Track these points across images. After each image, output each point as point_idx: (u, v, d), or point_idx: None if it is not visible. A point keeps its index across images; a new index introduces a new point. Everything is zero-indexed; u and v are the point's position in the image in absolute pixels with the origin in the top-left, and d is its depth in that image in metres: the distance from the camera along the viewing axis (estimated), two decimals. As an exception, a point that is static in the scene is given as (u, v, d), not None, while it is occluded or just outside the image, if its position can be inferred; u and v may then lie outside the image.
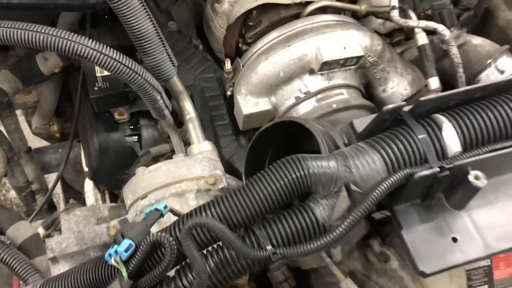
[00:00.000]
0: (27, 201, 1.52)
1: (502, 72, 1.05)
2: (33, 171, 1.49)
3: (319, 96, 1.04)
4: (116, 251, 0.68)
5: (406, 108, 0.76)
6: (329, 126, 0.89)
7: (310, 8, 1.08)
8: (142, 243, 0.68)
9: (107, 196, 1.51)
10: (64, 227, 1.16)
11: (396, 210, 0.76)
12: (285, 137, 0.96)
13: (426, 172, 0.70)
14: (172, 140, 1.13)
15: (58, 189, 1.87)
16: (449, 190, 0.76)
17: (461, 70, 1.02)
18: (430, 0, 1.05)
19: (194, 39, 1.29)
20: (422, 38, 1.03)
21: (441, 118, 0.75)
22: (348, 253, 0.86)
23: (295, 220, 0.70)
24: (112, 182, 1.30)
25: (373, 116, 0.79)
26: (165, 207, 0.76)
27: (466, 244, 0.74)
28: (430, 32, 1.07)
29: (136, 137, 1.23)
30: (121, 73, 0.92)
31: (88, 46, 0.89)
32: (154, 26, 0.97)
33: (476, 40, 1.11)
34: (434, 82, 1.02)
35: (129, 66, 0.92)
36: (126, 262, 0.68)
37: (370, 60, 1.05)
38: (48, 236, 1.21)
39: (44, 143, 1.81)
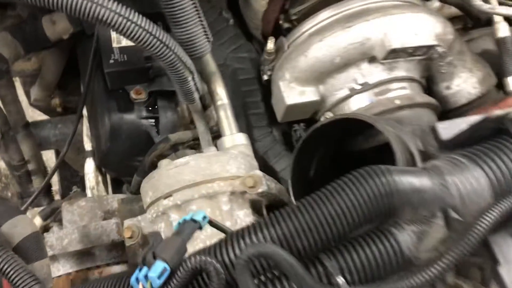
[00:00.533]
0: (21, 182, 1.36)
1: None
2: (30, 149, 1.32)
3: (378, 89, 0.88)
4: (146, 276, 0.53)
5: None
6: (399, 127, 0.74)
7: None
8: (180, 268, 0.53)
9: (109, 180, 1.36)
10: (66, 219, 1.01)
11: (494, 240, 0.62)
12: (335, 139, 0.81)
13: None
14: (198, 129, 0.98)
15: (52, 165, 1.71)
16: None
17: None
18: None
19: (225, 11, 1.12)
20: (503, 29, 0.88)
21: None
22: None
23: (373, 248, 0.55)
24: (122, 169, 1.15)
25: (461, 122, 0.64)
26: (205, 217, 0.61)
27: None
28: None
29: (153, 120, 1.08)
30: (150, 46, 0.76)
31: (113, 11, 0.72)
32: (192, -6, 0.81)
33: None
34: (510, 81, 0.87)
35: (161, 38, 0.76)
36: (158, 289, 0.53)
37: (439, 50, 0.89)
38: (46, 227, 1.07)
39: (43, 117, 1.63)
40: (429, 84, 0.98)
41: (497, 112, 0.60)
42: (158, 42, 0.76)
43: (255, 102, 1.00)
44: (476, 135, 0.63)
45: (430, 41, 0.85)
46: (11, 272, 0.69)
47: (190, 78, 0.84)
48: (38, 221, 1.05)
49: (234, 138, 0.89)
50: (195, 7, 0.82)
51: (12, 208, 0.80)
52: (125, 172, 1.14)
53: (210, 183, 0.79)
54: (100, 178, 1.35)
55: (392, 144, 0.67)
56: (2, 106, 1.25)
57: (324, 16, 0.90)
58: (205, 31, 0.86)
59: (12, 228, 0.77)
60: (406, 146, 0.70)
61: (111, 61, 0.99)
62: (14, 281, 0.69)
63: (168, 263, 0.53)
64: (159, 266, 0.53)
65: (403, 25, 0.84)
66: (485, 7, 0.87)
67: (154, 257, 0.54)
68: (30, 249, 0.77)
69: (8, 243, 0.75)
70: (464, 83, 0.95)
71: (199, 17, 0.84)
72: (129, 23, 0.73)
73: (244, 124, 0.99)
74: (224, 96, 0.92)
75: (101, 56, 1.02)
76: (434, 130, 0.68)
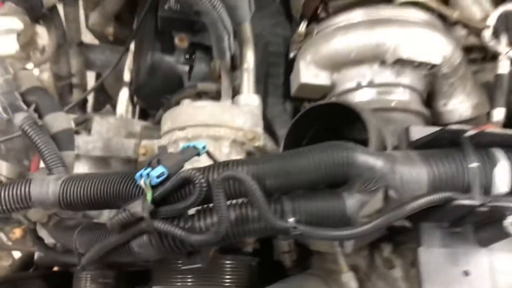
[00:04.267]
0: (62, 92, 1.54)
1: None
2: (77, 65, 1.50)
3: (381, 89, 1.01)
4: (148, 174, 0.69)
5: (468, 134, 0.74)
6: (383, 122, 0.88)
7: (405, -3, 1.04)
8: (175, 175, 0.69)
9: (137, 110, 1.53)
10: (95, 129, 1.18)
11: (422, 227, 0.76)
12: (331, 119, 0.95)
13: (466, 202, 0.69)
14: (222, 83, 1.13)
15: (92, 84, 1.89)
16: (480, 226, 0.75)
17: None
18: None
19: (276, -10, 1.26)
20: (503, 67, 0.99)
21: (499, 155, 0.73)
22: (358, 249, 0.86)
23: (324, 203, 0.70)
24: (151, 102, 1.31)
25: (432, 129, 0.77)
26: (204, 147, 0.77)
27: (476, 281, 0.74)
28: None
29: (188, 67, 1.23)
30: (198, 3, 0.91)
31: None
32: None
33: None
34: (498, 114, 0.99)
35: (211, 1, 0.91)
36: (154, 187, 0.69)
37: (444, 71, 1.02)
38: (77, 132, 1.24)
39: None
40: (430, 98, 1.11)
41: (455, 126, 0.74)
42: (208, 2, 0.91)
43: (277, 73, 1.14)
44: (437, 142, 0.76)
45: (436, 60, 0.97)
46: (46, 153, 0.87)
47: (226, 38, 0.99)
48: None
49: (249, 98, 1.04)
50: (245, -21, 0.97)
51: (56, 105, 0.97)
52: (153, 105, 1.30)
53: (218, 128, 0.94)
54: (130, 108, 1.53)
55: (370, 132, 0.80)
56: (64, 22, 1.42)
57: (354, 15, 1.03)
58: (249, 2, 1.00)
59: (53, 120, 0.94)
60: (382, 137, 0.84)
61: (166, 7, 1.14)
62: (46, 160, 0.86)
63: (167, 168, 0.69)
64: (160, 169, 0.69)
65: (415, 40, 0.97)
66: (491, 43, 0.98)
67: (158, 162, 0.70)
68: (63, 140, 0.94)
69: (48, 130, 0.92)
70: (459, 105, 1.07)
71: (247, -11, 0.98)
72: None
73: (262, 89, 1.13)
74: (251, 62, 1.07)
75: (158, 0, 1.17)
76: (407, 131, 0.82)
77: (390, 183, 0.70)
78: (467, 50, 1.18)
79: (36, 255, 1.15)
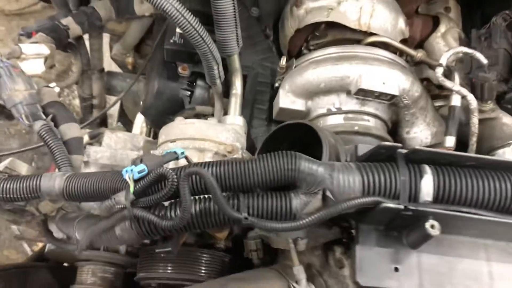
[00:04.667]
0: (85, 111, 1.75)
1: (516, 155, 1.14)
2: (98, 88, 1.71)
3: (348, 115, 1.16)
4: (131, 170, 0.85)
5: (403, 150, 0.88)
6: (340, 142, 1.03)
7: (371, 39, 1.21)
8: (153, 171, 0.85)
9: (152, 132, 1.71)
10: (105, 142, 1.36)
11: (360, 228, 0.89)
12: (302, 137, 1.10)
13: (390, 205, 0.82)
14: (215, 106, 1.30)
15: (115, 112, 2.10)
16: (409, 230, 0.88)
17: (474, 139, 1.11)
18: (478, 71, 1.14)
19: (269, 29, 1.44)
20: (455, 100, 1.13)
21: (426, 169, 0.87)
22: (312, 248, 1.00)
23: (273, 201, 0.85)
24: (157, 121, 1.48)
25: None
26: (182, 153, 0.93)
27: (404, 277, 0.86)
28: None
29: (190, 92, 1.41)
30: (191, 36, 1.09)
31: (173, 6, 1.06)
32: (234, 9, 1.13)
33: (507, 119, 1.19)
34: (450, 141, 1.12)
35: (200, 33, 1.09)
36: (136, 181, 0.85)
37: (405, 102, 1.16)
38: (90, 144, 1.43)
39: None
40: (396, 126, 1.25)
41: (389, 143, 0.88)
42: (197, 35, 1.09)
43: (262, 100, 1.31)
44: (376, 156, 0.90)
45: (393, 91, 1.12)
46: (57, 154, 1.05)
47: (215, 67, 1.17)
48: (85, 139, 1.42)
49: (234, 119, 1.21)
50: (235, 19, 1.15)
51: (71, 117, 1.16)
52: (158, 125, 1.48)
53: (203, 141, 1.10)
54: (144, 129, 1.72)
55: (323, 146, 0.95)
56: (89, 51, 1.64)
57: (327, 52, 1.20)
58: (237, 38, 1.18)
59: (67, 129, 1.13)
60: (338, 153, 0.99)
61: (171, 41, 1.33)
62: (57, 160, 1.04)
63: (147, 166, 0.85)
64: (141, 166, 0.85)
65: (376, 74, 1.12)
66: (440, 79, 1.12)
67: (141, 161, 0.87)
68: (74, 145, 1.12)
69: (62, 137, 1.11)
70: (420, 133, 1.21)
71: (236, 27, 1.16)
72: (181, 17, 1.07)
73: (249, 112, 1.30)
74: (239, 88, 1.24)
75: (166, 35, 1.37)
76: (356, 148, 0.96)
77: (328, 187, 0.84)
78: (440, 86, 1.33)
79: (46, 248, 1.32)
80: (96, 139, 1.42)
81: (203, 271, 1.05)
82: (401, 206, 0.83)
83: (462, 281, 0.88)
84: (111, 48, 1.87)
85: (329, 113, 1.18)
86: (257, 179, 0.84)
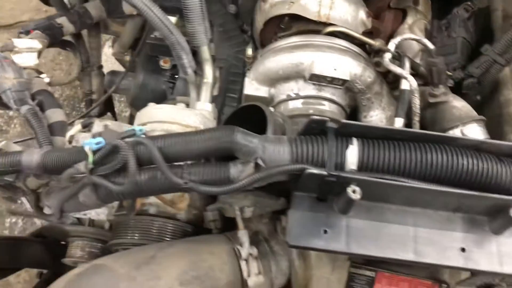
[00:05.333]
0: (86, 105, 1.90)
1: (464, 135, 1.19)
2: (97, 84, 1.85)
3: (305, 100, 1.26)
4: (90, 142, 0.98)
5: (334, 125, 0.97)
6: (288, 122, 1.12)
7: (329, 29, 1.30)
8: (108, 144, 0.97)
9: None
10: (94, 129, 1.50)
11: (294, 194, 0.98)
12: (262, 119, 1.20)
13: (314, 171, 0.91)
14: (190, 94, 1.42)
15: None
16: (338, 196, 0.96)
17: (416, 118, 1.18)
18: (427, 56, 1.21)
19: (247, 24, 1.55)
20: (404, 84, 1.20)
21: (353, 141, 0.95)
22: (260, 217, 1.09)
23: (214, 169, 0.95)
24: (142, 111, 1.61)
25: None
26: (141, 130, 1.05)
27: (331, 238, 0.94)
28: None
29: (172, 84, 1.54)
30: (157, 28, 1.21)
31: (142, 2, 1.19)
32: (201, 4, 1.25)
33: (457, 102, 1.25)
34: (398, 122, 1.19)
35: (167, 25, 1.21)
36: (94, 152, 0.97)
37: (358, 87, 1.24)
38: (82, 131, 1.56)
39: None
40: (356, 112, 1.33)
41: (319, 118, 0.97)
42: (164, 27, 1.21)
43: (234, 89, 1.42)
44: (311, 130, 0.99)
45: (344, 76, 1.21)
46: (39, 134, 1.18)
47: (184, 57, 1.28)
48: (78, 127, 1.56)
49: (204, 105, 1.32)
50: (202, 13, 1.26)
51: (56, 103, 1.30)
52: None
53: (171, 124, 1.22)
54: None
55: (268, 123, 1.05)
56: (88, 49, 1.79)
57: (286, 41, 1.29)
58: (205, 31, 1.30)
59: (52, 113, 1.26)
60: (283, 131, 1.08)
61: (153, 35, 1.46)
62: (39, 139, 1.17)
63: (104, 139, 0.97)
64: (99, 139, 0.97)
65: (327, 60, 1.21)
66: (384, 63, 1.20)
67: (99, 135, 0.99)
68: (57, 128, 1.25)
69: (47, 120, 1.24)
70: (376, 117, 1.29)
71: (203, 20, 1.28)
72: (149, 11, 1.19)
73: (221, 100, 1.41)
74: (210, 77, 1.35)
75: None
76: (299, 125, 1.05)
77: (260, 156, 0.94)
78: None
79: (41, 226, 1.46)
80: (87, 128, 1.56)
81: (167, 239, 1.16)
82: (325, 172, 0.91)
83: (388, 244, 0.95)
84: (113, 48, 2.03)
85: (289, 98, 1.27)
86: (199, 150, 0.94)
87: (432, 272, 1.12)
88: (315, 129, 0.98)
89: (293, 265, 1.09)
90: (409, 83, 1.20)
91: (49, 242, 1.49)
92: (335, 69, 1.21)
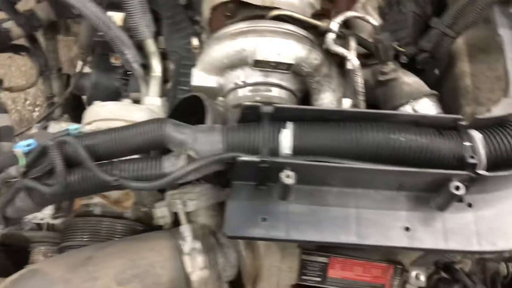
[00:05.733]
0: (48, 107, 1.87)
1: (415, 112, 1.16)
2: (58, 87, 1.83)
3: (253, 87, 1.23)
4: (20, 145, 0.95)
5: (268, 109, 0.94)
6: (232, 111, 1.09)
7: (273, 13, 1.26)
8: (38, 145, 0.94)
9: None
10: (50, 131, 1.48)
11: (233, 184, 0.96)
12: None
13: (246, 159, 0.88)
14: (141, 89, 1.39)
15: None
16: (276, 183, 0.93)
17: (361, 97, 1.15)
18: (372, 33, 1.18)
19: (199, 16, 1.52)
20: (349, 64, 1.18)
21: (287, 125, 0.92)
22: (206, 209, 1.07)
23: (147, 164, 0.93)
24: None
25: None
26: (76, 129, 1.02)
27: (271, 226, 0.92)
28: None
29: (125, 81, 1.51)
30: (96, 25, 1.19)
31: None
32: (140, -2, 1.22)
33: (408, 78, 1.21)
34: (345, 103, 1.16)
35: (104, 21, 1.19)
36: (26, 155, 0.95)
37: (305, 70, 1.21)
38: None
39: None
40: (308, 96, 1.30)
41: (252, 103, 0.94)
42: (101, 24, 1.19)
43: (185, 81, 1.38)
44: (246, 117, 0.96)
45: (288, 60, 1.17)
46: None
47: (126, 51, 1.26)
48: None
49: (152, 99, 1.29)
50: (141, 5, 1.24)
51: (2, 108, 1.28)
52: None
53: (116, 121, 1.19)
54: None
55: (206, 113, 1.02)
56: (45, 53, 1.76)
57: (226, 29, 1.26)
58: (147, 23, 1.27)
59: (-3, 119, 1.24)
60: (225, 120, 1.06)
61: (100, 33, 1.43)
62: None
63: (36, 141, 0.95)
64: (29, 141, 0.95)
65: (270, 45, 1.17)
66: (327, 43, 1.17)
67: (31, 137, 0.96)
68: (3, 135, 1.23)
69: (-8, 127, 1.22)
70: (327, 99, 1.26)
71: (144, 13, 1.25)
72: (85, 8, 1.16)
73: (173, 93, 1.38)
74: (158, 70, 1.33)
75: (98, 30, 1.47)
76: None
77: (192, 147, 0.91)
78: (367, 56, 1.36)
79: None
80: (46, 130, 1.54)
81: (116, 239, 1.14)
82: (257, 159, 0.89)
83: (329, 228, 0.93)
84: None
85: (237, 86, 1.24)
86: (129, 146, 0.92)
87: (386, 254, 1.09)
88: (250, 115, 0.96)
89: (241, 256, 1.07)
90: (350, 62, 1.17)
91: (12, 250, 1.47)
92: (278, 54, 1.18)
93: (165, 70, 1.45)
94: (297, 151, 0.91)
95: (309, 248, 1.08)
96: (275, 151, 0.91)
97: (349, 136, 0.91)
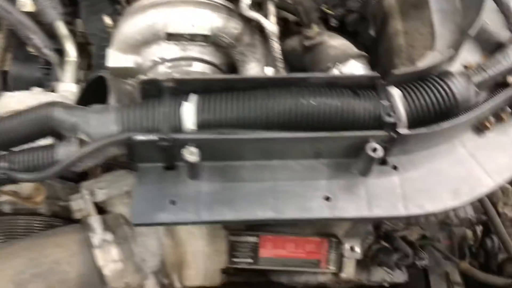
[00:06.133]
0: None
1: (342, 75, 1.09)
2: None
3: (171, 63, 1.14)
4: None
5: (168, 83, 0.86)
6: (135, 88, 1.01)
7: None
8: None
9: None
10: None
11: (139, 167, 0.88)
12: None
13: (142, 138, 0.81)
14: (57, 74, 1.30)
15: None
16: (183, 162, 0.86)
17: (279, 64, 1.08)
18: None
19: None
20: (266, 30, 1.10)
21: (190, 98, 0.85)
22: (119, 197, 1.00)
23: (38, 154, 0.84)
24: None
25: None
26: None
27: (180, 209, 0.85)
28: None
29: (47, 70, 1.41)
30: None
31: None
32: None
33: (334, 41, 1.14)
34: (268, 71, 1.09)
35: (2, 6, 1.09)
36: None
37: (225, 41, 1.13)
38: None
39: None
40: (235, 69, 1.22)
41: (150, 77, 0.86)
42: (1, 9, 1.09)
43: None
44: (147, 92, 0.88)
45: (203, 31, 1.09)
46: None
47: (33, 37, 1.16)
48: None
49: (66, 85, 1.20)
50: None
51: None
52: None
53: (26, 112, 1.11)
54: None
55: (109, 93, 0.94)
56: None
57: (139, 3, 1.17)
58: (53, 5, 1.18)
59: None
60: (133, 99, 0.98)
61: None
62: None
63: None
64: None
65: (182, 16, 1.09)
66: (242, 10, 1.09)
67: None
68: None
69: None
70: (252, 70, 1.17)
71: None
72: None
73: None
74: (72, 55, 1.24)
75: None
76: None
77: (84, 130, 0.83)
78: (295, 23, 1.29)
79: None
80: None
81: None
82: (155, 138, 0.81)
83: (244, 205, 0.86)
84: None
85: (155, 64, 1.16)
86: (18, 134, 0.84)
87: (319, 227, 1.03)
88: (150, 91, 0.88)
89: (162, 244, 1.00)
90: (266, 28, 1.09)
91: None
92: (192, 25, 1.09)
93: (89, 55, 1.37)
94: (203, 125, 0.84)
95: (237, 228, 1.02)
96: (177, 128, 0.84)
97: (257, 104, 0.84)
